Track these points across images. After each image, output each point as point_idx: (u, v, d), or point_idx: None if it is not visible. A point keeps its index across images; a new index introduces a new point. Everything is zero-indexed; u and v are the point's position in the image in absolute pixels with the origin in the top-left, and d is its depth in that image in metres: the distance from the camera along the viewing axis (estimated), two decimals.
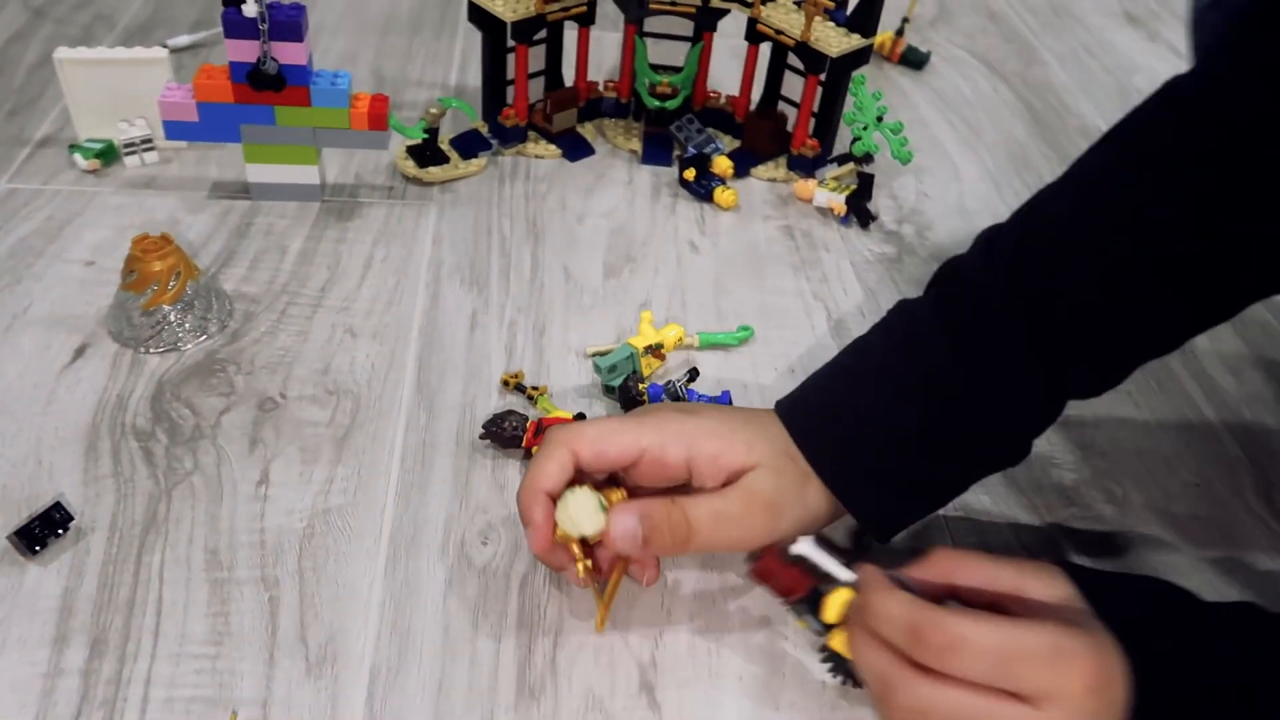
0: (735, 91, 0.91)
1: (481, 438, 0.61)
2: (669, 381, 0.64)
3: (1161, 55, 1.20)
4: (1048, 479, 0.63)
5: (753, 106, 0.91)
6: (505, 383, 0.66)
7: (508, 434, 0.60)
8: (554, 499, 0.49)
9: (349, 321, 0.70)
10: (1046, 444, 0.65)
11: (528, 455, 0.60)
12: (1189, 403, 0.69)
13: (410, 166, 0.84)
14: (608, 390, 0.65)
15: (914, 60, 1.09)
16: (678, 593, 0.54)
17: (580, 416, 0.62)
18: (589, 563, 0.50)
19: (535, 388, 0.65)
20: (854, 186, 0.84)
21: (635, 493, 0.51)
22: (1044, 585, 0.44)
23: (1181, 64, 1.15)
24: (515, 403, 0.65)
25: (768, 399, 0.67)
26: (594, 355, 0.67)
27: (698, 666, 0.51)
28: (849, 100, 0.83)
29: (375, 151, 0.84)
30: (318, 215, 0.80)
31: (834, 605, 0.46)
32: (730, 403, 0.64)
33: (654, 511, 0.48)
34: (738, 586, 0.55)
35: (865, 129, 0.81)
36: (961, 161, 0.94)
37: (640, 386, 0.63)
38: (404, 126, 0.81)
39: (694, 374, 0.66)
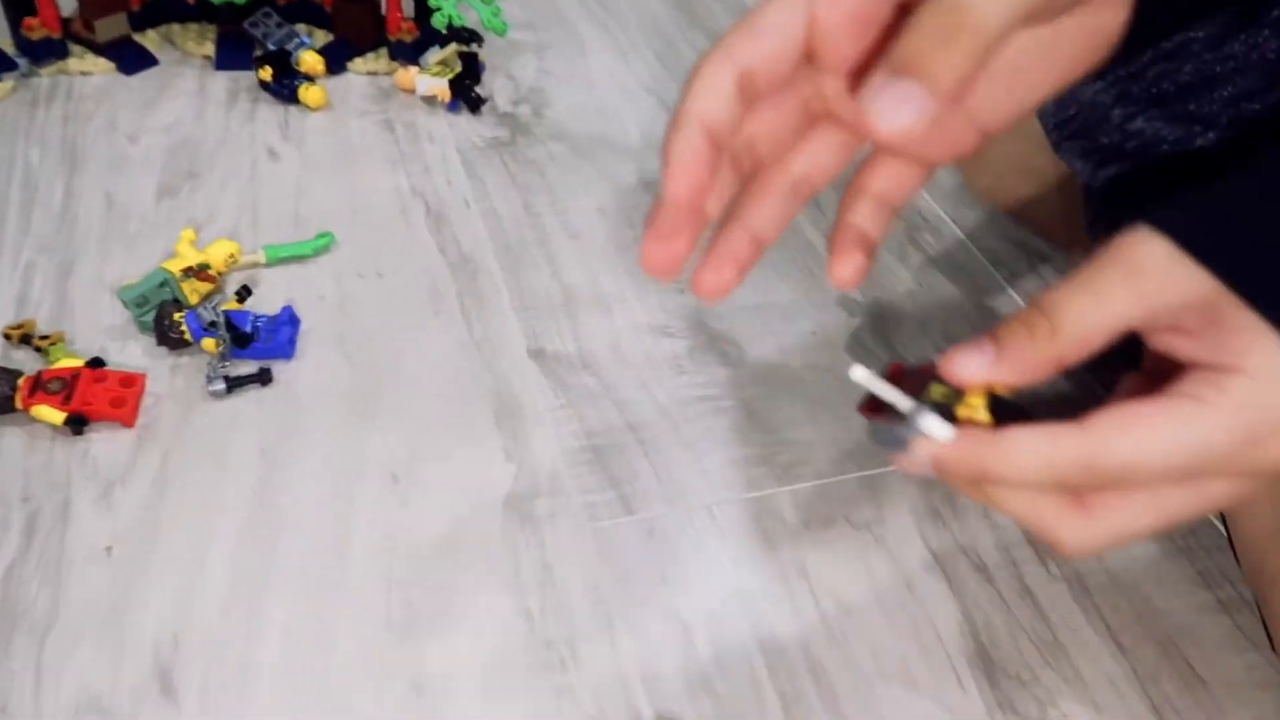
0: None
1: None
2: (203, 303, 0.53)
3: None
4: (659, 351, 0.58)
5: None
6: (8, 336, 0.53)
7: None
8: (712, 134, 0.29)
9: None
10: (661, 312, 0.60)
11: (35, 420, 0.49)
12: (809, 251, 0.66)
13: None
14: (144, 328, 0.55)
15: None
16: (211, 548, 0.45)
17: (98, 361, 0.51)
18: None
19: (45, 337, 0.53)
20: (458, 69, 0.76)
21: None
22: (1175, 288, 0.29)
23: None
24: (23, 359, 0.53)
25: (348, 309, 0.58)
26: (125, 287, 0.56)
27: (230, 634, 0.43)
28: None
29: None
30: None
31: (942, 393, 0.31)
32: (295, 322, 0.55)
33: None
34: (286, 532, 0.47)
35: None
36: (589, 35, 0.88)
37: (176, 316, 0.53)
38: None
39: (244, 293, 0.56)
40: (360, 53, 0.79)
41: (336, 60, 0.78)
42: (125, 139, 0.69)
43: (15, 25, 0.73)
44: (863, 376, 0.30)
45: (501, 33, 0.76)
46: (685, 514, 0.49)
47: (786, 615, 0.45)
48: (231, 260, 0.58)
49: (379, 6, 0.79)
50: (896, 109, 0.26)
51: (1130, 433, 0.28)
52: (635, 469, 0.51)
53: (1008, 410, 0.30)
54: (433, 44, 0.78)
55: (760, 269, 0.64)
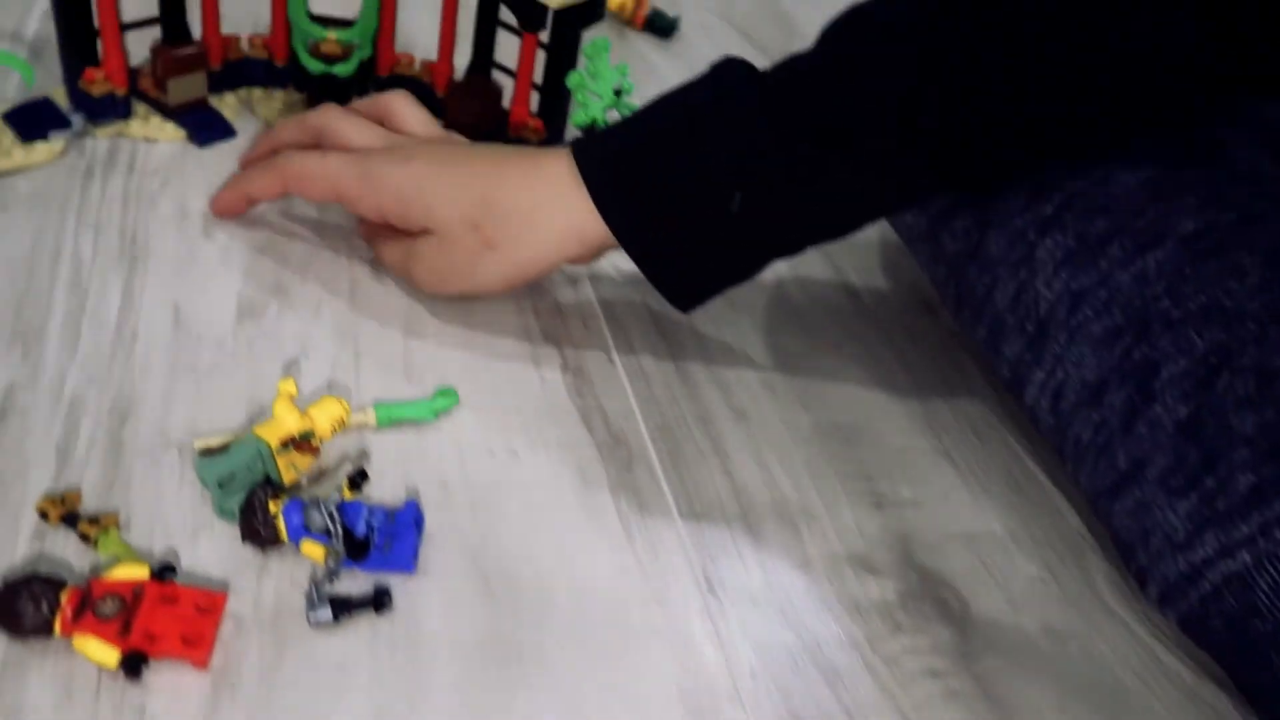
0: (434, 55, 0.69)
1: None
2: (315, 498, 0.41)
3: None
4: (866, 595, 0.46)
5: (459, 75, 0.69)
6: (44, 514, 0.40)
7: (27, 619, 0.36)
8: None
9: None
10: (860, 537, 0.48)
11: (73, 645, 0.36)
12: (1011, 453, 0.55)
13: None
14: (226, 514, 0.42)
15: (661, 26, 0.91)
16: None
17: (168, 570, 0.39)
18: None
19: (96, 519, 0.40)
20: None
21: None
22: None
23: None
24: (60, 549, 0.40)
25: (480, 504, 0.46)
26: (203, 452, 0.43)
27: None
28: (582, 64, 0.63)
29: None
30: None
31: None
32: (420, 523, 0.43)
33: None
34: None
35: (598, 99, 0.61)
36: None
37: (273, 505, 0.40)
38: None
39: (359, 479, 0.43)
40: None
41: None
42: (198, 232, 0.57)
43: (73, 76, 0.60)
44: None
45: None
46: None
47: None
48: (339, 424, 0.45)
49: (499, 98, 0.68)
50: None
51: None
52: None
53: None
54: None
55: (959, 481, 0.53)
